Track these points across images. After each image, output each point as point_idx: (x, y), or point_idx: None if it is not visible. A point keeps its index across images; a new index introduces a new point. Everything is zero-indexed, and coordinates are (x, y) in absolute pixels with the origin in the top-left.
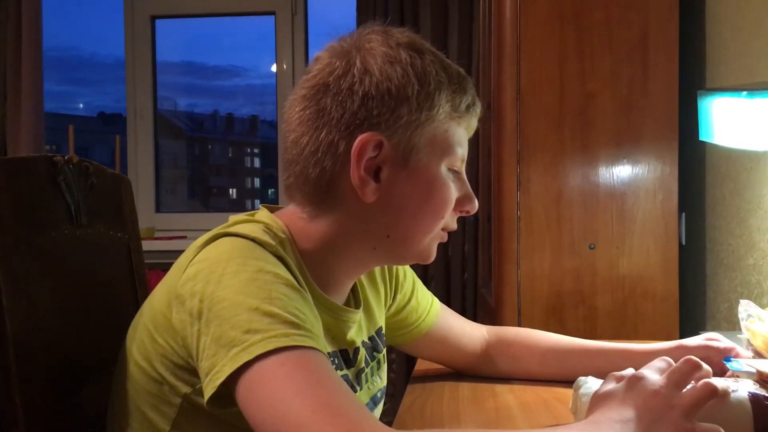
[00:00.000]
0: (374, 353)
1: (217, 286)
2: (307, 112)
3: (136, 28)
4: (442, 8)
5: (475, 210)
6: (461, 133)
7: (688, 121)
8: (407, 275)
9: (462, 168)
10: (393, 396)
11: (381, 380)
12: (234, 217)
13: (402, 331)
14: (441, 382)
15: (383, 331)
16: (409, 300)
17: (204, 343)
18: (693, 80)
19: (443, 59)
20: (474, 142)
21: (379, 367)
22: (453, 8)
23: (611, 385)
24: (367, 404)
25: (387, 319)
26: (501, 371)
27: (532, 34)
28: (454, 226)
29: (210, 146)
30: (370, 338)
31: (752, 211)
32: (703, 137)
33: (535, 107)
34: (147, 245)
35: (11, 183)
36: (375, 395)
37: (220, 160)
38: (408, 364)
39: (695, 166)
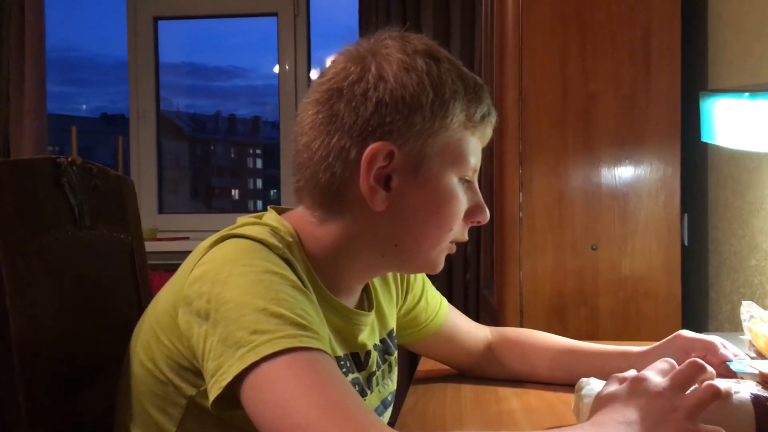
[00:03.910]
0: (386, 356)
1: (223, 287)
2: (320, 116)
3: (139, 30)
4: (444, 9)
5: (487, 220)
6: (475, 142)
7: (691, 122)
8: (417, 276)
9: (474, 177)
10: (396, 398)
11: (392, 383)
12: (241, 219)
13: (410, 331)
14: (443, 383)
15: (395, 333)
16: (419, 300)
17: (210, 344)
18: (695, 81)
19: (460, 67)
20: None
21: (390, 370)
22: (455, 9)
23: (614, 387)
24: (377, 407)
25: (397, 319)
26: (503, 371)
27: (534, 34)
28: (464, 237)
29: (212, 147)
30: (382, 341)
31: (755, 212)
32: (705, 138)
33: (538, 108)
34: (150, 246)
35: (15, 184)
36: (385, 398)
37: (223, 161)
38: (410, 366)
39: (698, 167)
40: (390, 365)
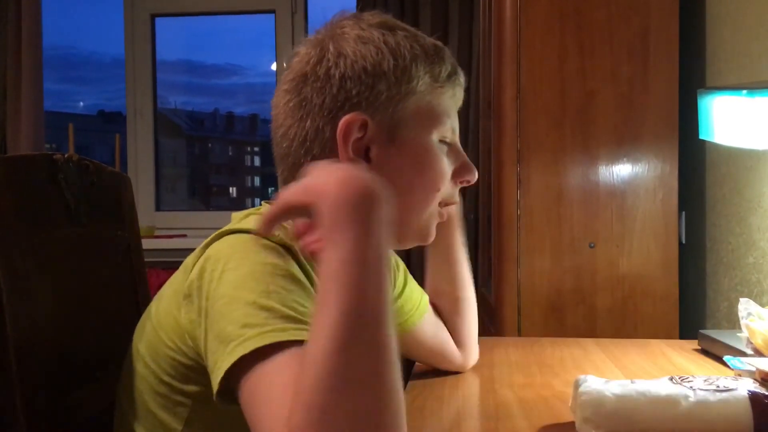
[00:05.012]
0: None
1: (218, 284)
2: (291, 104)
3: (136, 27)
4: (442, 7)
5: (475, 179)
6: (446, 102)
7: (689, 119)
8: (399, 265)
9: (455, 139)
10: None
11: None
12: (236, 214)
13: (397, 321)
14: (441, 379)
15: None
16: (404, 288)
17: (208, 341)
18: (693, 79)
19: (417, 33)
20: (474, 141)
21: None
22: (453, 7)
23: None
24: None
25: None
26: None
27: (532, 32)
28: (455, 199)
29: (210, 145)
30: None
31: (752, 210)
32: (703, 136)
33: (536, 106)
34: (147, 244)
35: (11, 181)
36: None
37: (221, 159)
38: (407, 363)
39: (695, 164)
40: None
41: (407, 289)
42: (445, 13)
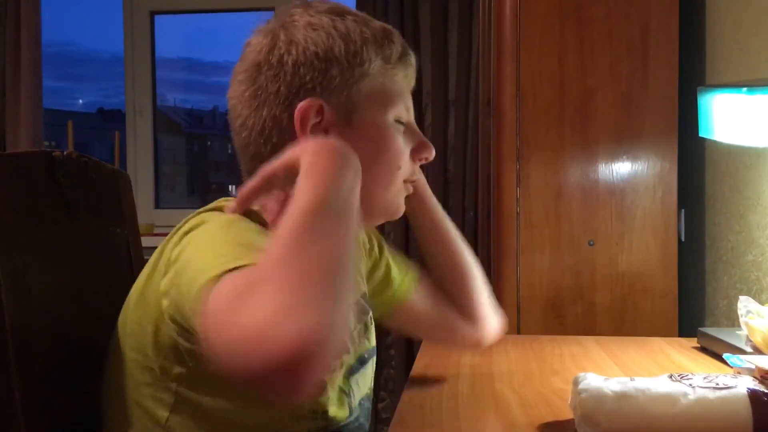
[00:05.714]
0: (361, 315)
1: (186, 246)
2: (246, 94)
3: (136, 24)
4: (442, 4)
5: (433, 155)
6: (399, 83)
7: (688, 117)
8: (373, 238)
9: (410, 118)
10: (393, 392)
11: (369, 342)
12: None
13: (386, 294)
14: (440, 376)
15: (368, 296)
16: (381, 256)
17: (178, 288)
18: (693, 76)
19: (366, 18)
20: (474, 139)
21: (366, 329)
22: (453, 5)
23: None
24: (353, 365)
25: (368, 281)
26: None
27: (531, 30)
28: (418, 176)
29: (209, 142)
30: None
31: (752, 208)
32: (703, 133)
33: (535, 103)
34: (146, 241)
35: (10, 178)
36: (362, 356)
37: (220, 157)
38: (407, 361)
39: (695, 162)
40: (366, 325)
41: (385, 257)
42: (444, 11)
